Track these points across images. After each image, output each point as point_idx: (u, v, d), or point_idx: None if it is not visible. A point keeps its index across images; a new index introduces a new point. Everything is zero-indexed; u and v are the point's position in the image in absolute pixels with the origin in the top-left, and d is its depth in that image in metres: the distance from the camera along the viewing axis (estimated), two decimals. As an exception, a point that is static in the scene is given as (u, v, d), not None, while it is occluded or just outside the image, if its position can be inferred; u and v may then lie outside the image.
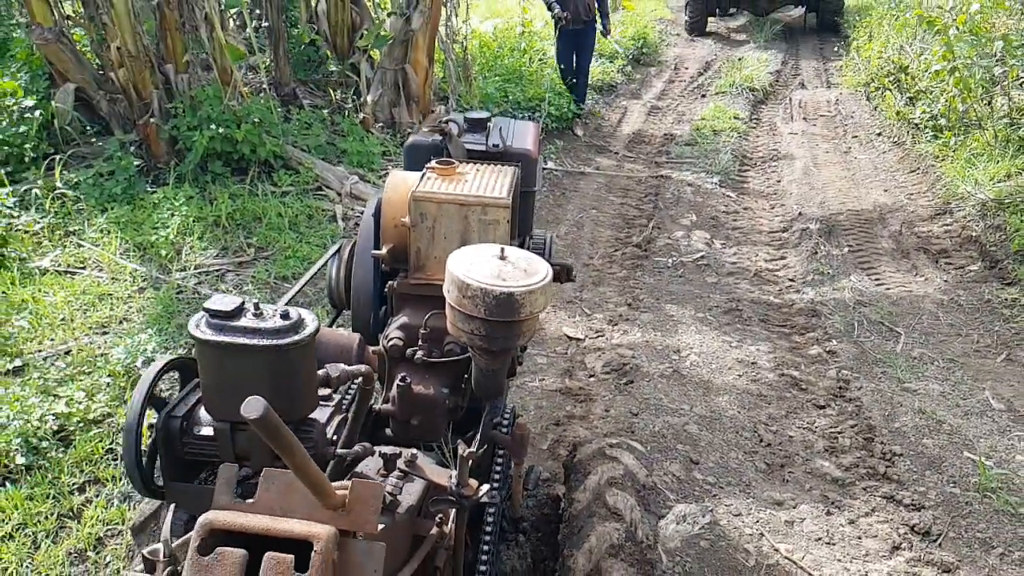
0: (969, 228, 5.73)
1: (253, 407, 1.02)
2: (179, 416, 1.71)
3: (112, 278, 4.61)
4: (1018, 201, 5.60)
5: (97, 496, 3.12)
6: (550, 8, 8.03)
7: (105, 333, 4.13)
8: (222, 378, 1.56)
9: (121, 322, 4.26)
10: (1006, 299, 4.81)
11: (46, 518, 3.00)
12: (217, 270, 4.89)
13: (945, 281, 5.15)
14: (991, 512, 3.10)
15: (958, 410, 3.77)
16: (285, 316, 1.56)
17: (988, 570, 2.85)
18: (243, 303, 1.57)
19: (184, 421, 1.71)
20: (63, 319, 4.16)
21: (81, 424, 3.39)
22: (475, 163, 2.48)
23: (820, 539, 2.95)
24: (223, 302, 1.55)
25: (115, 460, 3.30)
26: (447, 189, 2.26)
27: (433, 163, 2.35)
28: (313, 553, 1.22)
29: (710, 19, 13.20)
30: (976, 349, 4.39)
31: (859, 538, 2.97)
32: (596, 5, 8.19)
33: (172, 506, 1.39)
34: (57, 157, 5.62)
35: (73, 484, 3.15)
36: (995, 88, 6.85)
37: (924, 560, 2.86)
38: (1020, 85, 6.67)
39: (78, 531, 2.98)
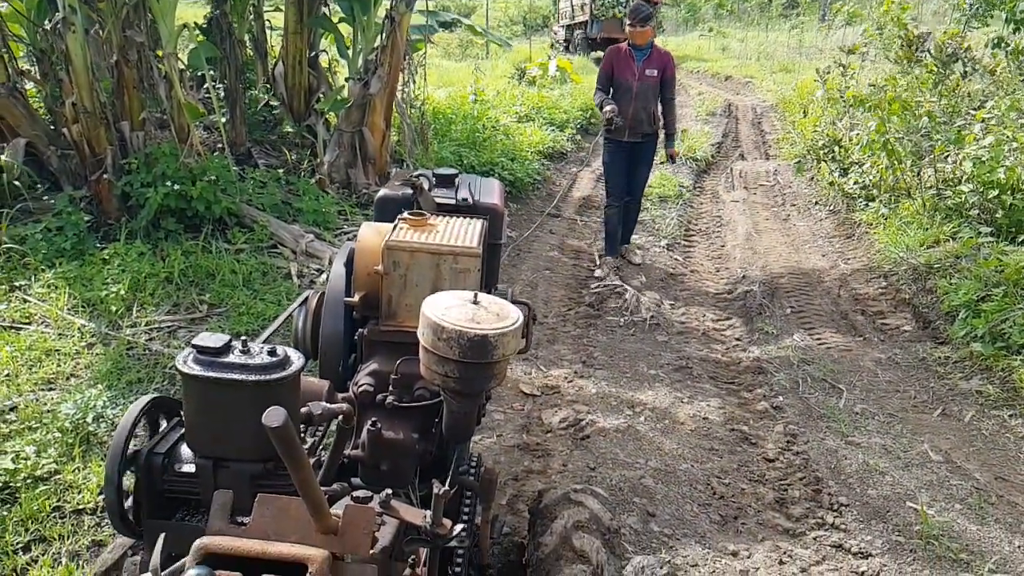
0: (902, 291, 6.05)
1: (274, 416, 1.06)
2: (161, 452, 1.71)
3: (59, 334, 4.50)
4: (946, 266, 5.95)
5: (43, 555, 2.99)
6: (600, 106, 6.15)
7: (52, 389, 4.02)
8: (208, 414, 1.58)
9: (68, 378, 4.15)
10: (939, 357, 5.07)
11: (-13, 579, 2.88)
12: (169, 326, 4.82)
13: (882, 340, 5.40)
14: (934, 558, 3.22)
15: (899, 462, 3.93)
16: (272, 353, 1.60)
17: (935, 614, 2.95)
18: (230, 340, 1.60)
19: (166, 458, 1.71)
20: (7, 374, 4.04)
21: (28, 480, 3.27)
22: (445, 216, 2.57)
23: (775, 587, 3.02)
24: (211, 339, 1.58)
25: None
26: (420, 239, 2.33)
27: (406, 214, 2.44)
28: (307, 575, 1.24)
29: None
30: (914, 404, 4.60)
31: (812, 585, 3.05)
32: (660, 115, 6.18)
33: (162, 536, 1.38)
34: (3, 211, 5.51)
35: (18, 543, 3.02)
36: (922, 161, 7.33)
37: (875, 605, 2.95)
38: (944, 158, 7.15)
39: (22, 592, 2.86)
